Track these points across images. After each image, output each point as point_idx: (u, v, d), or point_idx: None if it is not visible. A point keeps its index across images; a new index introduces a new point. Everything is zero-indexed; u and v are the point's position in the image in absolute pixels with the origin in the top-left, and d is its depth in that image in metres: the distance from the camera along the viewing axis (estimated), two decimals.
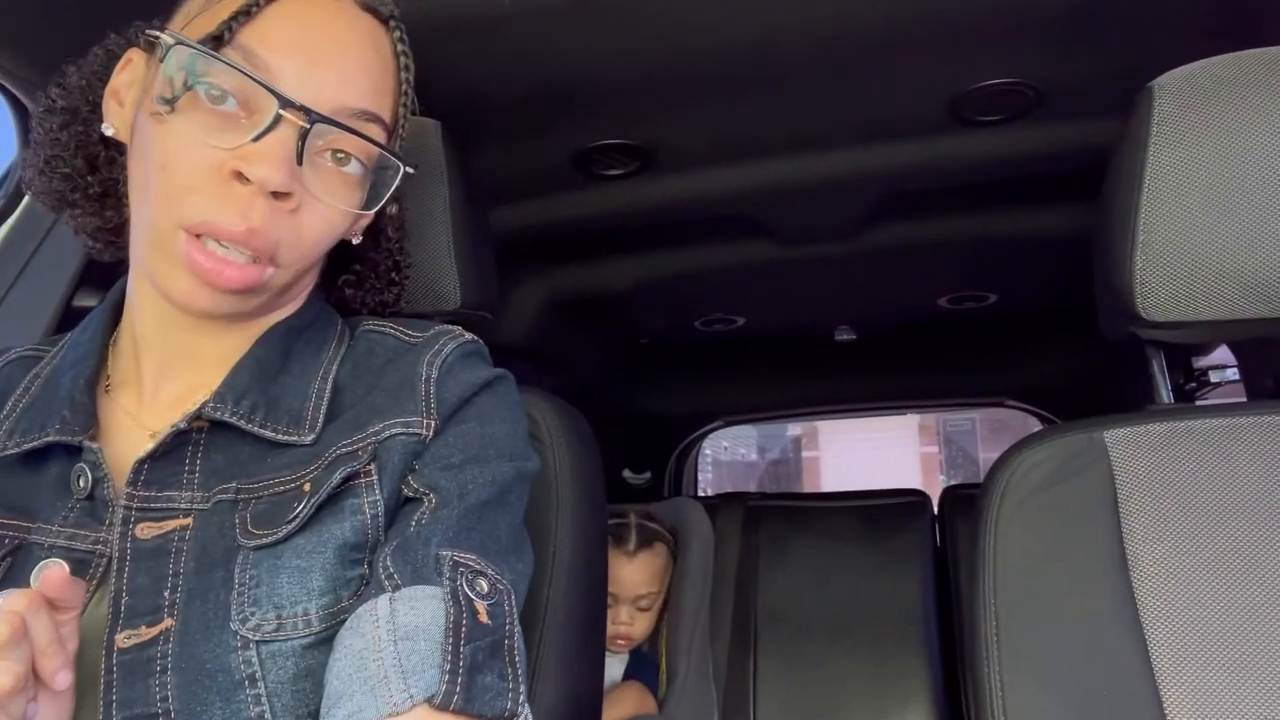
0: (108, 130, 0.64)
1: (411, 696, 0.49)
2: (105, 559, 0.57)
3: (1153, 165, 0.73)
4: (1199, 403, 1.62)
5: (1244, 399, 1.44)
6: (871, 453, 11.94)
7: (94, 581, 0.56)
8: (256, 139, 0.56)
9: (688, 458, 2.41)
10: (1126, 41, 0.94)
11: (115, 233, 0.68)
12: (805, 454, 13.65)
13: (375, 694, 0.50)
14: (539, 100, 1.02)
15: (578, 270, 1.57)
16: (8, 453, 0.61)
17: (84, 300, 0.96)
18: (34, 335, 0.90)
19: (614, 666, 1.47)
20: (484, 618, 0.54)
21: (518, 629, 0.57)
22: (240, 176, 0.56)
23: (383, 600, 0.53)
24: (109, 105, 0.64)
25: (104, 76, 0.66)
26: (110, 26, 0.69)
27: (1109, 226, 0.78)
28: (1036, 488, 0.75)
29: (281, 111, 0.56)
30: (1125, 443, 0.75)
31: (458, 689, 0.50)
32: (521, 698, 0.54)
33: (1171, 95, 0.74)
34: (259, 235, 0.57)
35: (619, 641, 1.46)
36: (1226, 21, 0.91)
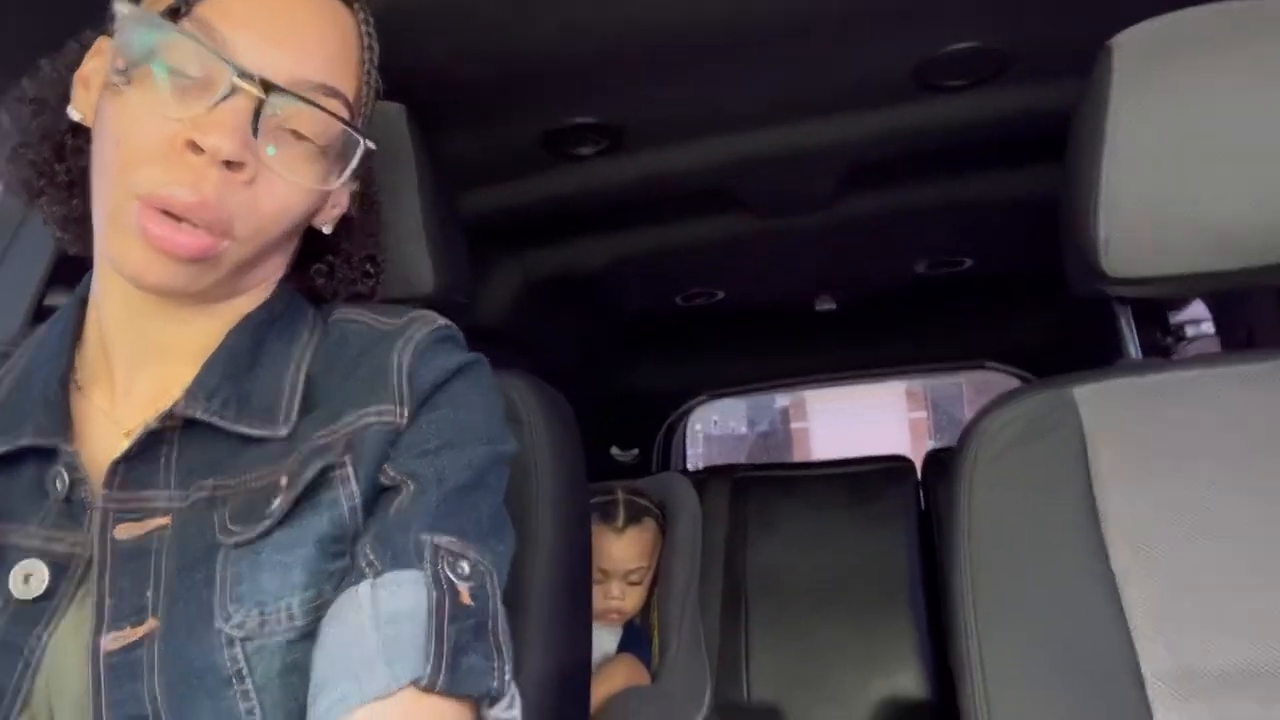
0: (73, 115, 0.63)
1: (396, 679, 0.50)
2: (84, 560, 0.57)
3: (1113, 122, 0.73)
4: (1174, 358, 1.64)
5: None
6: (860, 421, 12.00)
7: (73, 584, 0.56)
8: (210, 109, 0.55)
9: (675, 433, 2.42)
10: (1089, 1, 0.94)
11: (80, 222, 0.67)
12: (794, 425, 13.70)
13: (359, 679, 0.50)
14: (506, 81, 1.01)
15: (552, 251, 1.57)
16: None
17: (55, 299, 0.95)
18: (7, 333, 0.89)
19: (608, 640, 1.48)
20: (466, 599, 0.54)
21: (501, 609, 0.57)
22: (193, 146, 0.55)
23: (364, 586, 0.53)
24: (76, 91, 0.64)
25: (76, 68, 0.65)
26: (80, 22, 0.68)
27: (1072, 185, 0.78)
28: (1008, 446, 0.76)
29: (236, 80, 0.56)
30: (1094, 398, 0.76)
31: (442, 670, 0.51)
32: (507, 676, 0.54)
33: (1130, 52, 0.74)
34: (210, 207, 0.56)
35: (612, 616, 1.47)
36: None
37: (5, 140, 0.67)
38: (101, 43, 0.64)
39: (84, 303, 0.67)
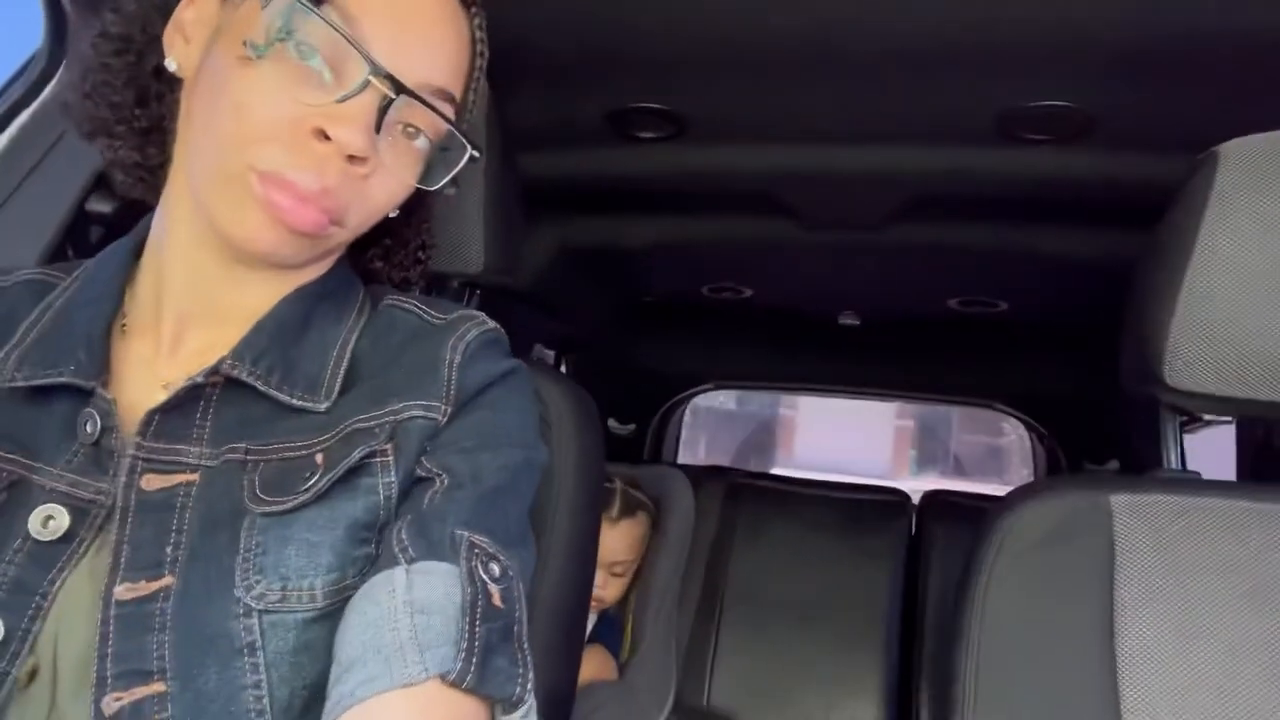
0: (170, 65, 0.62)
1: (427, 669, 0.49)
2: (105, 510, 0.56)
3: (1205, 236, 0.71)
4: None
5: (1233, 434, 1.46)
6: (846, 420, 12.05)
7: (93, 531, 0.56)
8: (341, 100, 0.56)
9: (674, 414, 2.42)
10: (1188, 83, 0.91)
11: (151, 170, 0.66)
12: (783, 411, 13.76)
13: (390, 664, 0.49)
14: (582, 56, 0.99)
15: (595, 223, 1.55)
16: (15, 384, 0.59)
17: (98, 205, 0.93)
18: (42, 239, 0.87)
19: None
20: (497, 601, 0.54)
21: (526, 617, 0.57)
22: (321, 135, 0.56)
23: (399, 572, 0.53)
24: (173, 40, 0.62)
25: (163, 9, 0.63)
26: None
27: (1148, 288, 0.76)
28: (1034, 545, 0.75)
29: (371, 78, 0.56)
30: (1129, 510, 0.75)
31: (472, 668, 0.50)
32: (529, 684, 0.54)
33: (1235, 166, 0.71)
34: (331, 195, 0.57)
35: (590, 604, 1.48)
36: None
37: (83, 74, 0.64)
38: None
39: (141, 247, 0.66)
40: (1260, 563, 0.72)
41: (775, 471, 2.30)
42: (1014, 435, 2.28)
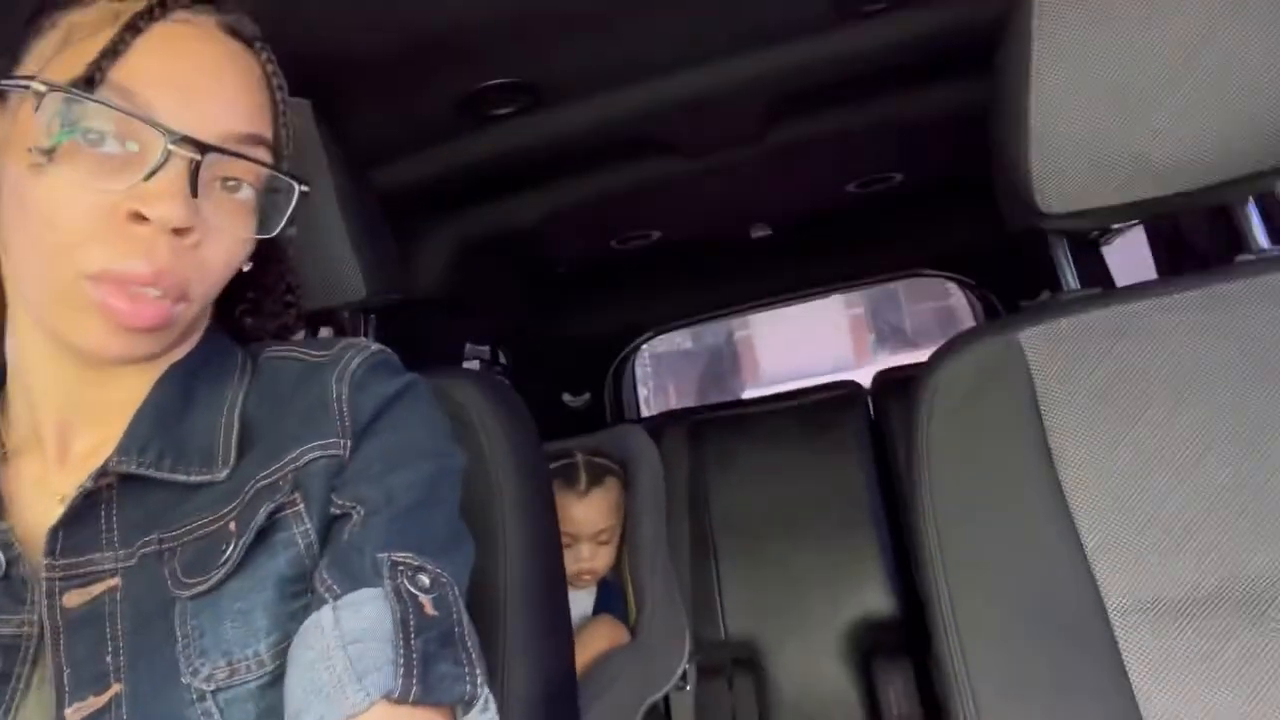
0: None
1: (369, 695, 0.50)
2: (35, 638, 0.55)
3: (1038, 58, 0.72)
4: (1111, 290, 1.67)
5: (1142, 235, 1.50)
6: (799, 324, 12.17)
7: (27, 664, 0.54)
8: (148, 177, 0.54)
9: (624, 372, 2.42)
10: None
11: None
12: (738, 334, 13.86)
13: (331, 700, 0.50)
14: (413, 51, 0.96)
15: (482, 212, 1.53)
16: None
17: None
18: None
19: (584, 601, 1.50)
20: (430, 610, 0.54)
21: (465, 617, 0.57)
22: (138, 217, 0.54)
23: (325, 611, 0.53)
24: None
25: None
26: None
27: (1001, 122, 0.77)
28: (961, 399, 0.77)
29: (171, 146, 0.54)
30: (1040, 342, 0.77)
31: (414, 681, 0.51)
32: (480, 679, 0.55)
33: None
34: (167, 275, 0.55)
35: (584, 577, 1.49)
36: None
37: None
38: None
39: (1, 373, 0.64)
40: (1176, 353, 0.75)
41: (744, 396, 2.32)
42: (958, 293, 2.32)
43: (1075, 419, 0.74)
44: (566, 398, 2.30)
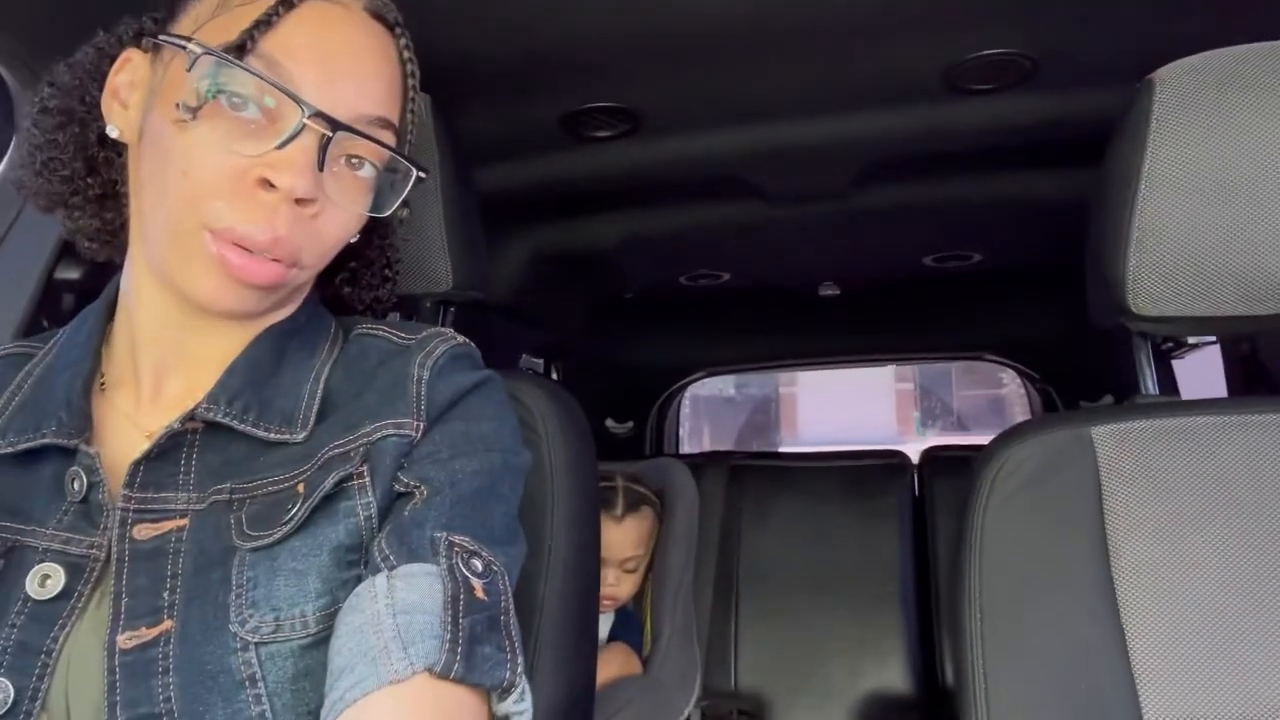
0: (112, 132, 0.63)
1: (412, 664, 0.51)
2: (100, 562, 0.57)
3: (1150, 161, 0.72)
4: (1186, 399, 1.64)
5: (1219, 359, 1.47)
6: (846, 390, 12.07)
7: (89, 584, 0.57)
8: (280, 146, 0.57)
9: (670, 407, 2.43)
10: (1126, 18, 0.92)
11: (113, 233, 0.68)
12: (783, 389, 13.77)
13: (376, 664, 0.51)
14: (529, 64, 0.99)
15: (563, 228, 1.56)
16: (2, 452, 0.60)
17: (65, 273, 0.94)
18: (15, 313, 0.88)
19: (600, 626, 1.50)
20: (480, 593, 0.56)
21: (513, 609, 0.58)
22: (266, 184, 0.57)
23: (380, 578, 0.54)
24: (111, 106, 0.64)
25: (97, 75, 0.65)
26: (96, 18, 0.67)
27: (1103, 218, 0.77)
28: (1022, 484, 0.76)
29: (306, 120, 0.57)
30: (1111, 439, 0.76)
31: (458, 658, 0.52)
32: (520, 668, 0.55)
33: (1172, 89, 0.72)
34: (284, 243, 0.58)
35: (605, 602, 1.48)
36: (1231, 5, 0.89)
37: (31, 151, 0.65)
38: (130, 54, 0.64)
39: (112, 306, 0.67)
40: (1243, 473, 0.73)
41: (781, 450, 2.31)
42: (1012, 384, 2.29)
43: (1137, 520, 0.73)
44: (610, 423, 2.31)
